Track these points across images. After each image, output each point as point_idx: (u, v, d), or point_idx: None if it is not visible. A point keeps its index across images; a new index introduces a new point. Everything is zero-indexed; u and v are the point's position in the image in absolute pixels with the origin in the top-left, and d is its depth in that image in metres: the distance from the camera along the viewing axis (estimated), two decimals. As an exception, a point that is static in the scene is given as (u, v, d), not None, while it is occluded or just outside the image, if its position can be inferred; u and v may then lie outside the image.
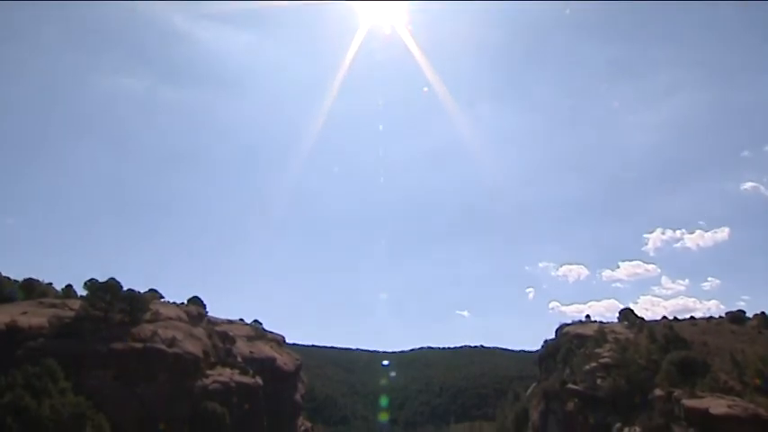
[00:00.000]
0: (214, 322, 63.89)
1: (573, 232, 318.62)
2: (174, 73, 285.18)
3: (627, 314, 72.84)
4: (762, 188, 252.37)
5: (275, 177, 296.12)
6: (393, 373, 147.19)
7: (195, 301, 65.15)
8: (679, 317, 73.96)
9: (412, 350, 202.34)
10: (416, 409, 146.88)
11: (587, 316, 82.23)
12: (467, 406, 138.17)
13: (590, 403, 49.31)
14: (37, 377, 32.03)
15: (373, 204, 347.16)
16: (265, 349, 67.49)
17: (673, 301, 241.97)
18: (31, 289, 51.91)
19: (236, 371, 51.17)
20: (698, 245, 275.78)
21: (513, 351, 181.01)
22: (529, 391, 78.73)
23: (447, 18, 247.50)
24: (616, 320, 74.48)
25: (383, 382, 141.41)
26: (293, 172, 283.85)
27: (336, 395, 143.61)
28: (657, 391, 41.96)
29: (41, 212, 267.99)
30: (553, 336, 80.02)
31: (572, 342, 67.66)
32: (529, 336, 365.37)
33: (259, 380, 53.20)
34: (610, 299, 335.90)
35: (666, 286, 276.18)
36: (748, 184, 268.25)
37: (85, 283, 45.99)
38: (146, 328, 44.50)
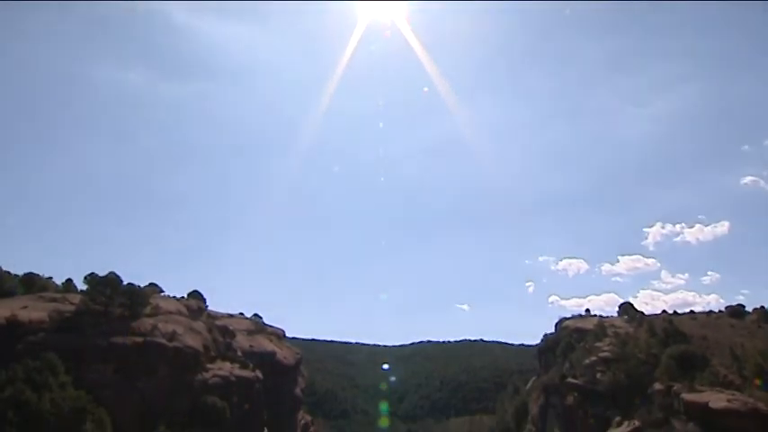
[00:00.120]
0: (214, 316, 63.90)
1: (573, 226, 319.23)
2: (174, 68, 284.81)
3: (626, 308, 72.85)
4: (762, 182, 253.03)
5: (276, 170, 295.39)
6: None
7: (195, 295, 65.11)
8: (679, 311, 73.96)
9: (412, 344, 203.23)
10: (416, 403, 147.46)
11: (587, 310, 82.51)
12: (467, 399, 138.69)
13: (589, 397, 49.37)
14: (37, 371, 32.10)
15: (373, 197, 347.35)
16: (265, 343, 67.51)
17: (672, 296, 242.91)
18: (32, 283, 51.88)
19: (237, 365, 51.21)
20: (698, 239, 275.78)
21: (512, 345, 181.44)
22: (529, 384, 78.98)
23: (446, 13, 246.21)
24: (616, 314, 74.48)
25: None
26: (293, 164, 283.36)
27: (336, 389, 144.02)
28: (657, 385, 42.00)
29: (41, 206, 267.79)
30: (553, 330, 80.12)
31: (572, 336, 67.71)
32: (528, 329, 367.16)
33: (259, 374, 53.25)
34: (609, 293, 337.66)
35: (666, 280, 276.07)
36: (748, 179, 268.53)
37: (85, 278, 46.04)
38: (146, 323, 44.52)
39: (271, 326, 79.06)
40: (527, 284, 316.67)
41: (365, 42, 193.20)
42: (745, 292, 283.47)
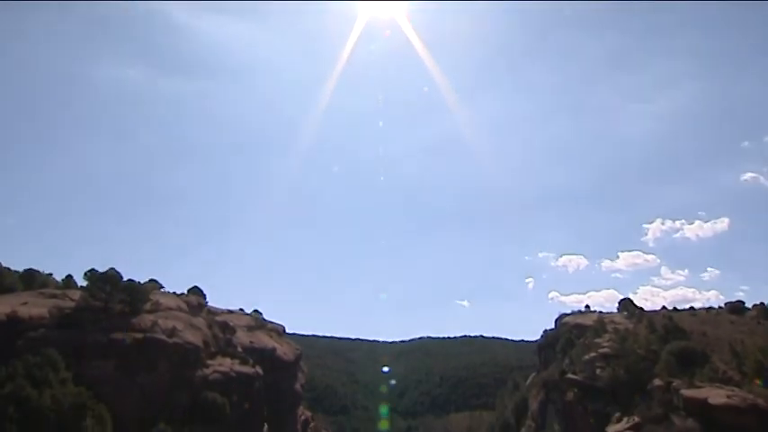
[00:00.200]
0: (214, 312, 63.95)
1: (573, 222, 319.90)
2: (174, 67, 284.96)
3: (626, 304, 72.96)
4: (762, 179, 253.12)
5: (275, 168, 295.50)
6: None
7: (195, 291, 65.20)
8: (678, 307, 73.92)
9: (412, 340, 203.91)
10: (416, 399, 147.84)
11: (587, 306, 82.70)
12: (466, 395, 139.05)
13: (589, 393, 49.44)
14: (38, 367, 32.15)
15: (373, 196, 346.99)
16: (265, 339, 67.58)
17: (672, 292, 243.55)
18: (32, 279, 51.95)
19: (237, 361, 51.23)
20: (697, 235, 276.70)
21: (512, 341, 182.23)
22: (528, 380, 79.21)
23: (446, 12, 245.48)
24: (615, 310, 74.63)
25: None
26: (293, 163, 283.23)
27: (336, 385, 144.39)
28: (657, 381, 42.02)
29: (41, 204, 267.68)
30: (553, 326, 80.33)
31: (571, 332, 67.86)
32: (528, 325, 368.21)
33: (259, 370, 53.30)
34: (609, 289, 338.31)
35: (666, 276, 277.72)
36: (748, 175, 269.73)
37: (85, 274, 45.92)
38: (146, 319, 44.52)
39: (271, 322, 79.11)
40: (527, 280, 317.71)
41: (365, 41, 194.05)
42: (744, 288, 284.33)
